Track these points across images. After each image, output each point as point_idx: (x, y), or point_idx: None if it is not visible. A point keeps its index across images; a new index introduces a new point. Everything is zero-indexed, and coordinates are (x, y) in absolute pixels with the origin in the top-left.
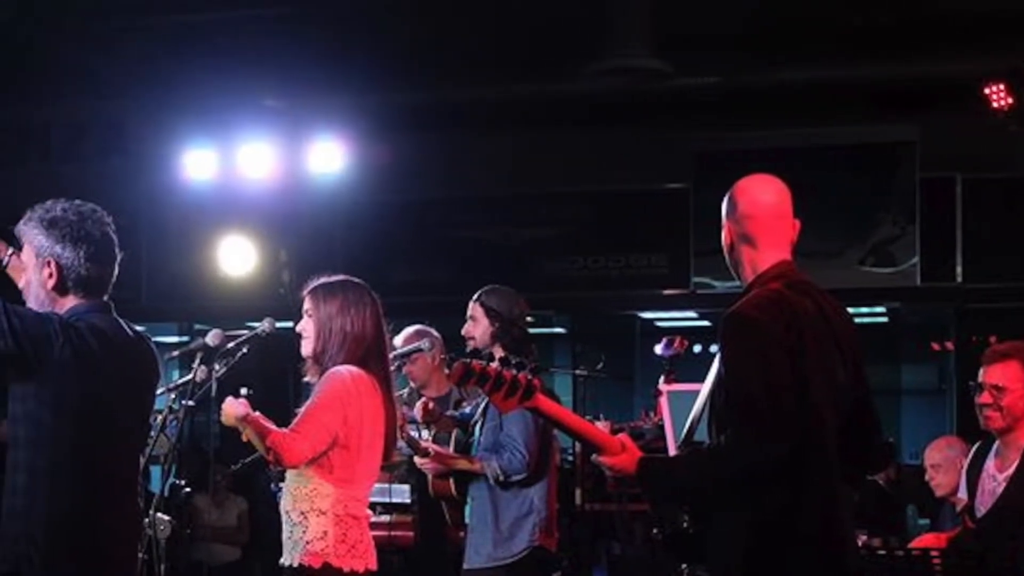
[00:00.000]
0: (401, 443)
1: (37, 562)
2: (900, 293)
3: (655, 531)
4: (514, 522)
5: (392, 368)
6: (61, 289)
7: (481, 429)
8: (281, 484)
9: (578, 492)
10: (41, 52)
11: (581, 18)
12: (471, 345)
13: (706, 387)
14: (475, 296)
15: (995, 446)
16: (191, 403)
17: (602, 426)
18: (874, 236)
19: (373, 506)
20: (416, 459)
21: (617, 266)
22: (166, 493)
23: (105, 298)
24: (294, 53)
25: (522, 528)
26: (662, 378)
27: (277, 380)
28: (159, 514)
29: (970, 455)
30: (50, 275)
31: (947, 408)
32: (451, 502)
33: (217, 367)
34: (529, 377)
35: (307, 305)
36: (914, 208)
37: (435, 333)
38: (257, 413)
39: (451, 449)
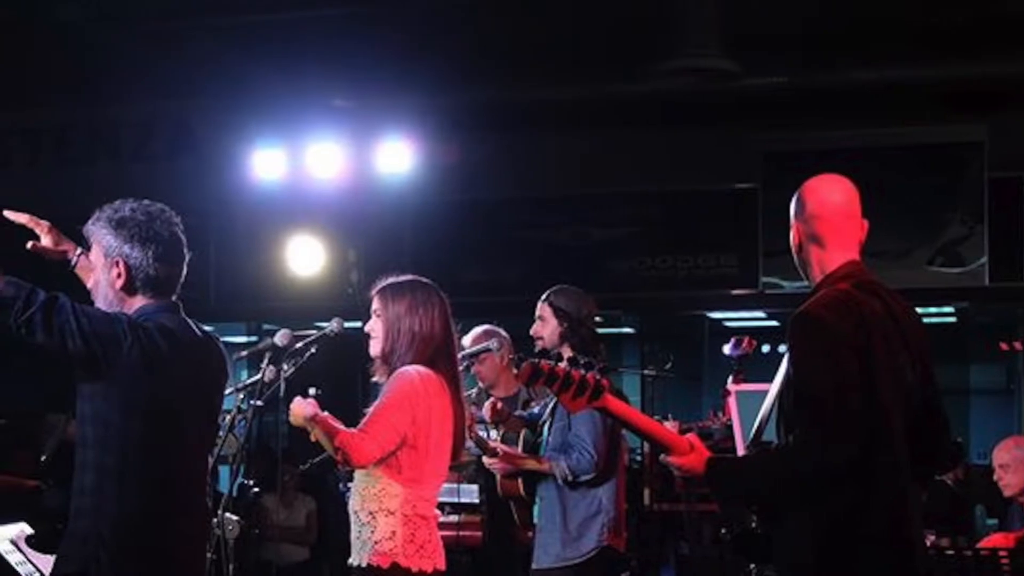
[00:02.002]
0: (469, 443)
1: (105, 562)
2: (968, 293)
3: (723, 531)
4: (582, 522)
5: (460, 368)
6: (129, 289)
7: (549, 429)
8: (349, 484)
9: (646, 492)
10: (111, 52)
11: (650, 18)
12: (539, 345)
13: (774, 387)
14: (543, 296)
15: None
16: (259, 403)
17: (670, 426)
18: (942, 236)
19: (441, 506)
20: (484, 459)
21: (686, 266)
22: (234, 493)
23: (174, 298)
24: (363, 53)
25: (590, 528)
26: (730, 378)
27: (345, 380)
28: (227, 514)
29: None
30: (118, 275)
31: (1015, 408)
32: (519, 502)
33: (285, 367)
34: (597, 377)
35: (375, 305)
36: (982, 208)
37: (503, 333)
38: (325, 413)
39: (519, 449)
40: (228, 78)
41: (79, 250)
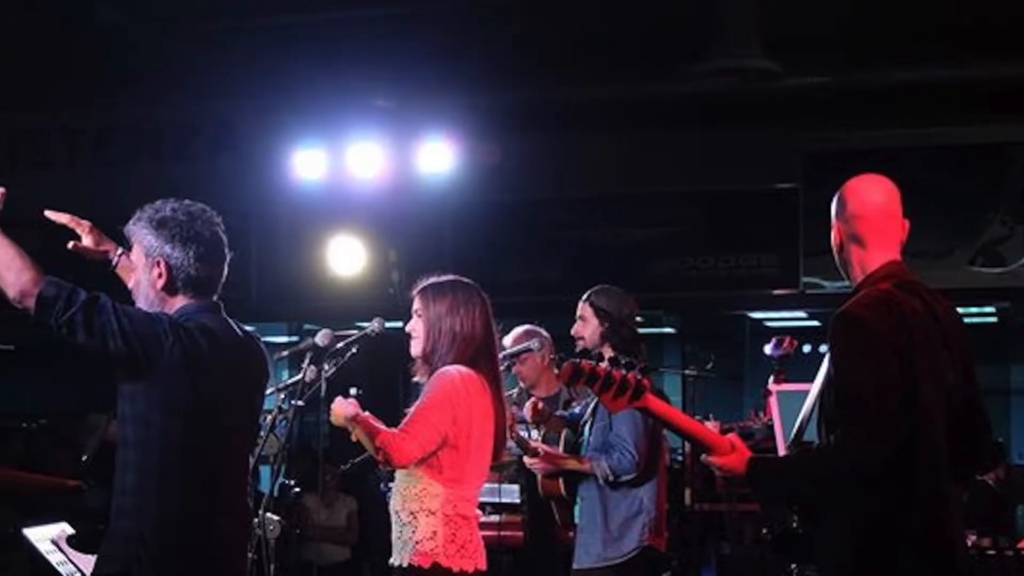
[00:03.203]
0: (511, 443)
1: (146, 562)
2: (1009, 293)
3: (764, 531)
4: (624, 522)
5: (502, 368)
6: (170, 289)
7: (590, 429)
8: (390, 484)
9: (688, 492)
10: (152, 53)
11: (691, 18)
12: (580, 345)
13: (815, 387)
14: (584, 296)
15: None
16: (301, 403)
17: (711, 426)
18: (983, 236)
19: (482, 506)
20: (525, 459)
21: (727, 266)
22: (276, 493)
23: (215, 298)
24: (404, 53)
25: (632, 528)
26: (771, 378)
27: (386, 380)
28: (269, 514)
29: None
30: (159, 275)
31: None
32: (560, 502)
33: (327, 367)
34: (638, 377)
35: (417, 305)
36: (1023, 208)
37: (545, 333)
38: (366, 413)
39: (560, 449)
40: (269, 78)
41: (120, 250)
